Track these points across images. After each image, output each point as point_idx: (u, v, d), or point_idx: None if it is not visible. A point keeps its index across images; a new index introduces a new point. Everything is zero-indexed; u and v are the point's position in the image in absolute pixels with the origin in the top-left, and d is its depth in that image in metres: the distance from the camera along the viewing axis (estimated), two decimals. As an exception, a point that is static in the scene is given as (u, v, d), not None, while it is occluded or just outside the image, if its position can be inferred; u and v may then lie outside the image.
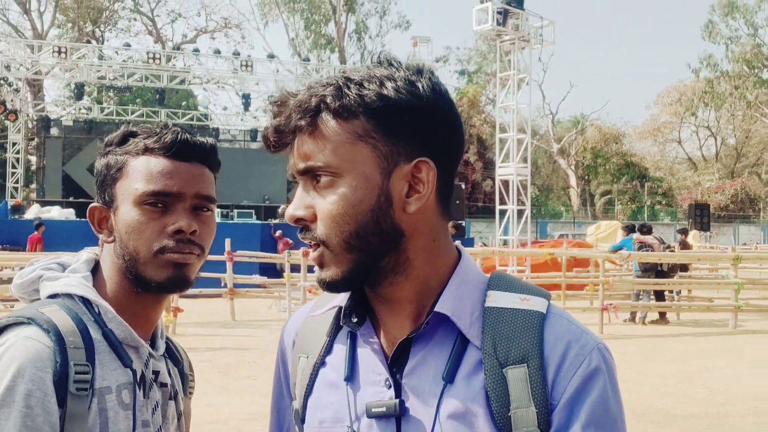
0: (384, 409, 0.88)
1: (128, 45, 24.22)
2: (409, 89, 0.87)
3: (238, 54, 24.43)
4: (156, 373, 1.19)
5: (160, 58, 21.37)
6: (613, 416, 0.86)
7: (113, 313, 1.13)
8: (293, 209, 0.89)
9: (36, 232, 13.45)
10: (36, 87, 33.02)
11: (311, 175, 0.88)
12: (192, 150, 1.18)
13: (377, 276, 0.90)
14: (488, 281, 0.94)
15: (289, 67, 26.20)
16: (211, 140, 1.23)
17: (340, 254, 0.87)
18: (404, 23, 45.66)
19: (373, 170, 0.86)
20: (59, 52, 19.82)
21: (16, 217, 18.00)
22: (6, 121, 24.39)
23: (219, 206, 20.62)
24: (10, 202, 21.51)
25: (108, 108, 28.37)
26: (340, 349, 0.97)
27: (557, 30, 16.01)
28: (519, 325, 0.88)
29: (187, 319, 11.23)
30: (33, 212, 18.38)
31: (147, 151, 1.16)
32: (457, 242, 1.00)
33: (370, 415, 0.89)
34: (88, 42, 26.77)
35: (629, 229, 12.53)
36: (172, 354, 1.30)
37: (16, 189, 24.76)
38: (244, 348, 9.23)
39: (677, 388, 7.24)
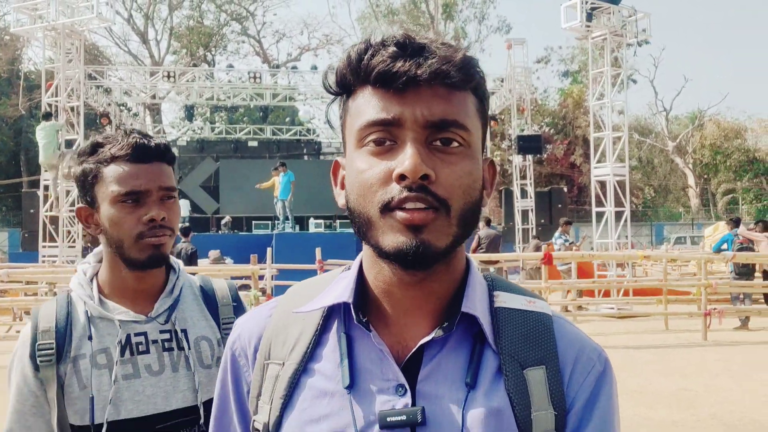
0: (403, 417, 0.80)
1: (231, 66, 25.40)
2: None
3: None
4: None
5: (261, 77, 22.26)
6: (617, 415, 0.88)
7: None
8: (419, 163, 0.78)
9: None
10: (154, 111, 35.36)
11: (443, 133, 0.81)
12: (149, 152, 1.43)
13: (440, 259, 0.82)
14: (490, 282, 0.92)
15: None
16: (163, 140, 1.49)
17: (453, 222, 0.81)
18: (504, 26, 44.98)
19: (480, 150, 0.85)
20: (169, 77, 21.09)
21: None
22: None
23: (321, 217, 21.36)
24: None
25: (218, 127, 29.84)
26: (332, 354, 0.87)
27: (669, 24, 15.18)
28: (534, 327, 0.87)
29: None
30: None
31: (114, 159, 1.42)
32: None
33: (384, 425, 0.81)
34: (195, 65, 28.22)
35: (734, 223, 11.45)
36: None
37: (137, 206, 26.54)
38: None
39: (781, 399, 6.65)
